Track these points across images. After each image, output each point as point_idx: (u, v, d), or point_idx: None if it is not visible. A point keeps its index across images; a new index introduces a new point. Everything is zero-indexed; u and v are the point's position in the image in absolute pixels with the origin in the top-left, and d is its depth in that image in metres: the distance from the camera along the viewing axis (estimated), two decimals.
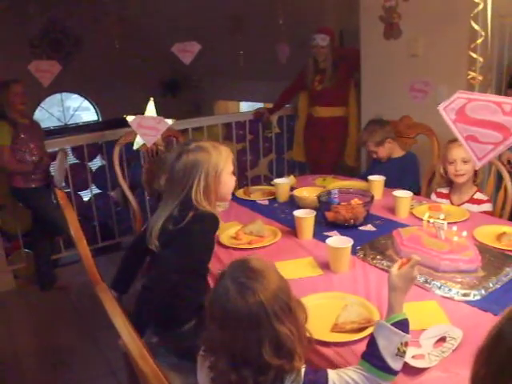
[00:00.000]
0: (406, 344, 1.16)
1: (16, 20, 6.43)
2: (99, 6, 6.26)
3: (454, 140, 2.20)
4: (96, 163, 4.37)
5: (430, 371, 1.23)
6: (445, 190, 2.55)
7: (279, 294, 1.09)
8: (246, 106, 7.87)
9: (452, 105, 1.53)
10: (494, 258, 1.75)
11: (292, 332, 1.07)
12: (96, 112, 8.88)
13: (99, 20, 6.22)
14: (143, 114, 2.80)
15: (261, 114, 4.35)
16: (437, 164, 2.67)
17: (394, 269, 1.25)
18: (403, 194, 2.28)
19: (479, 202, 2.41)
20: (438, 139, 2.84)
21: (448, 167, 2.43)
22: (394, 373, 1.14)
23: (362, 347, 1.22)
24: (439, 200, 2.50)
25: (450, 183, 2.51)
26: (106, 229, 4.19)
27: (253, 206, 2.56)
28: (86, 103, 8.85)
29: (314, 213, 2.10)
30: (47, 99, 8.31)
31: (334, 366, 1.24)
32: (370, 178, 2.54)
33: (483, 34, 2.18)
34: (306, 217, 2.08)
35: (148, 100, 2.82)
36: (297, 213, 2.10)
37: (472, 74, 2.32)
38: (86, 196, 4.21)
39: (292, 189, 2.62)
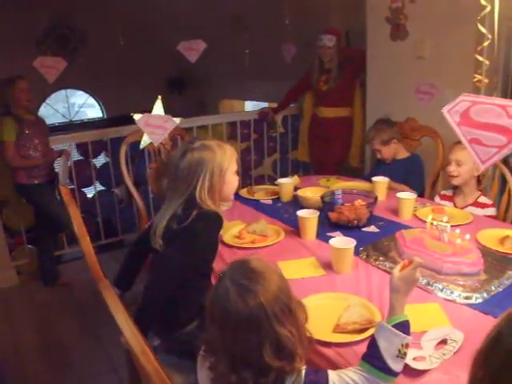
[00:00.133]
0: (407, 346, 1.16)
1: (22, 16, 6.45)
2: (105, 2, 6.29)
3: (458, 142, 2.20)
4: (100, 160, 4.38)
5: (431, 373, 1.23)
6: (448, 193, 2.55)
7: (279, 296, 1.08)
8: (250, 106, 7.87)
9: (456, 107, 1.53)
10: (496, 262, 1.75)
11: (292, 333, 1.07)
12: (101, 109, 8.89)
13: (105, 17, 6.23)
14: (148, 111, 2.78)
15: (265, 114, 4.34)
16: (443, 166, 2.68)
17: (396, 270, 1.25)
18: (407, 196, 2.28)
19: (483, 205, 2.41)
20: (442, 142, 2.83)
21: (446, 167, 2.46)
22: (394, 374, 1.14)
23: (363, 348, 1.21)
24: (443, 202, 2.50)
25: (454, 186, 2.51)
26: (109, 226, 4.20)
27: (256, 205, 2.56)
28: (91, 100, 8.86)
29: (318, 213, 2.10)
30: (52, 95, 8.31)
31: (335, 367, 1.24)
32: (374, 179, 2.54)
33: (490, 36, 2.18)
34: (309, 217, 2.08)
35: (153, 97, 2.79)
36: (300, 213, 2.11)
37: (478, 76, 2.32)
38: (89, 193, 4.21)
39: (296, 189, 2.62)
